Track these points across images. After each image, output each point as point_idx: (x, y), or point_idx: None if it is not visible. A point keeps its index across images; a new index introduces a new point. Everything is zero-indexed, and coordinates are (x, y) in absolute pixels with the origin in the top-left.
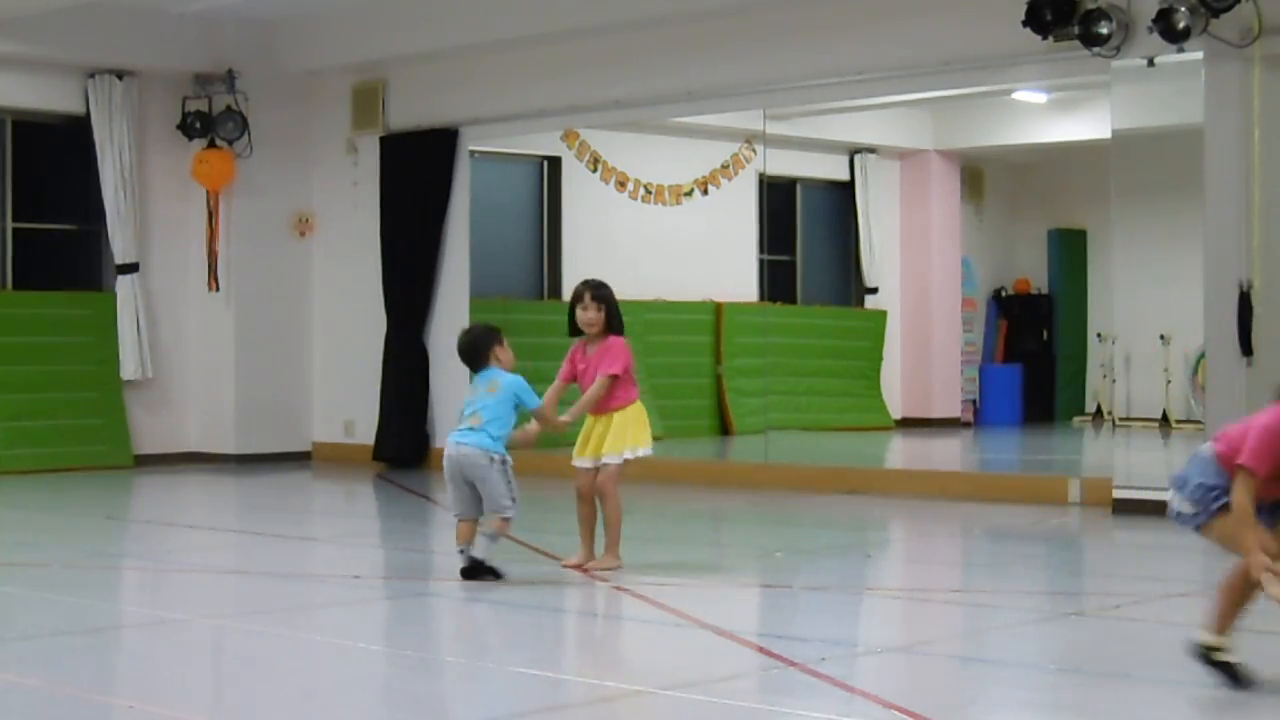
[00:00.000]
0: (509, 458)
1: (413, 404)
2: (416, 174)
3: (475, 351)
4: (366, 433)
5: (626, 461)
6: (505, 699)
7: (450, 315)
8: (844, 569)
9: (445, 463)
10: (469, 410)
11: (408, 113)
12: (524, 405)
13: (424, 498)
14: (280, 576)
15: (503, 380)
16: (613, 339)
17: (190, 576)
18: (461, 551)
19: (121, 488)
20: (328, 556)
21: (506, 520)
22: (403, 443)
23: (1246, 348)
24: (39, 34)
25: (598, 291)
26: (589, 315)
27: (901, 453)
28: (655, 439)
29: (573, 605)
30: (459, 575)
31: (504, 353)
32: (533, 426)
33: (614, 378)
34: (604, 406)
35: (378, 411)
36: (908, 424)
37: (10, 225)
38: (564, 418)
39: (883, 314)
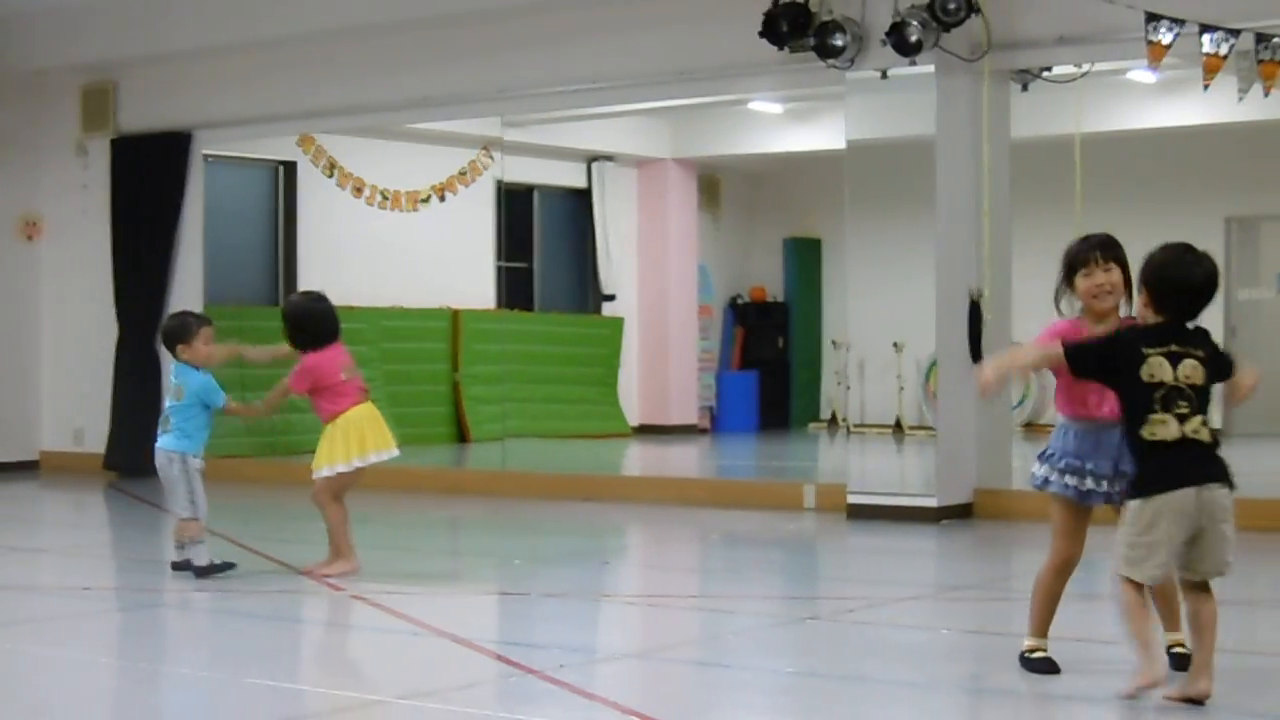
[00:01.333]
0: (194, 459)
1: (144, 412)
2: (149, 178)
3: (168, 340)
4: (97, 441)
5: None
6: (240, 711)
7: None
8: (582, 576)
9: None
10: (165, 412)
11: (140, 115)
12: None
13: (156, 507)
14: (6, 589)
15: (188, 385)
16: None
17: None
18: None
19: None
20: (57, 568)
21: (189, 522)
22: (134, 451)
23: (977, 355)
24: None
25: None
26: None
27: (639, 459)
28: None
29: (308, 615)
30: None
31: (196, 349)
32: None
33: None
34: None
35: (109, 420)
36: (645, 431)
37: None
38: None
39: (619, 321)
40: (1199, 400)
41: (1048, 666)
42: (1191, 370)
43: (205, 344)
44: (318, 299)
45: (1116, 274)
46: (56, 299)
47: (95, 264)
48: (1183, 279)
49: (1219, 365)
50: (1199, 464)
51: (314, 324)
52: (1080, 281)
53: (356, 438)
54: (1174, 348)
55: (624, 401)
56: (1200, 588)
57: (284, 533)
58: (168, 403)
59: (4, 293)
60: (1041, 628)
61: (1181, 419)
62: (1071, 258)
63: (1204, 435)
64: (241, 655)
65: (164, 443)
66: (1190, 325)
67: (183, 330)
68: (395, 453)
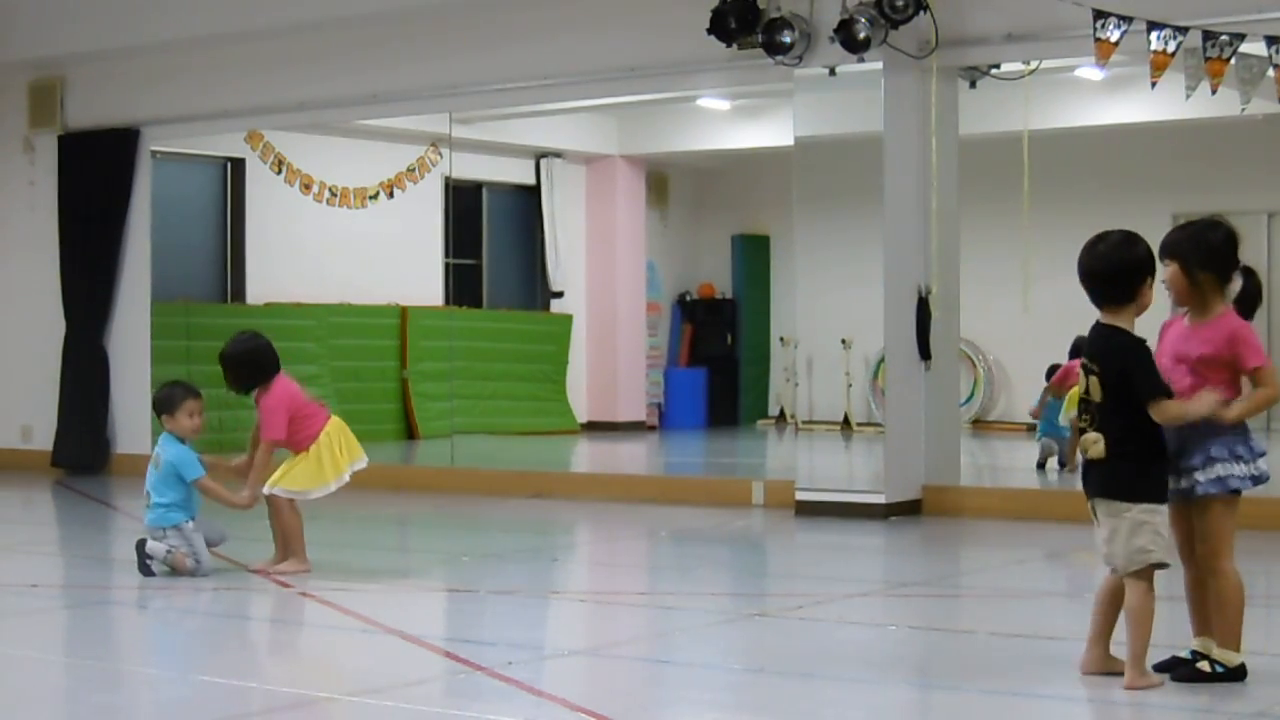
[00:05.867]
0: (187, 524)
1: (92, 409)
2: (96, 174)
3: (155, 408)
4: (44, 438)
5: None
6: (189, 708)
7: (131, 318)
8: (530, 573)
9: None
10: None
11: (87, 111)
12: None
13: (104, 504)
14: None
15: (164, 455)
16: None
17: None
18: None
19: None
20: (4, 565)
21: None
22: (82, 448)
23: (925, 352)
24: None
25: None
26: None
27: (587, 456)
28: None
29: (257, 612)
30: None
31: (179, 420)
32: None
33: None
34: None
35: (56, 416)
36: (593, 428)
37: None
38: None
39: (568, 318)
40: (1098, 416)
41: (1164, 667)
42: (1092, 386)
43: (189, 416)
44: (253, 336)
45: (1172, 269)
46: (3, 295)
47: (42, 260)
48: (1079, 266)
49: (1123, 387)
50: (1089, 480)
51: (258, 360)
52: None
53: (337, 454)
54: (1085, 360)
55: (572, 398)
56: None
57: (233, 529)
58: (149, 472)
59: None
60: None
61: (1083, 433)
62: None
63: (1093, 453)
64: (190, 652)
65: (149, 519)
66: (1108, 328)
67: (168, 401)
68: (366, 460)
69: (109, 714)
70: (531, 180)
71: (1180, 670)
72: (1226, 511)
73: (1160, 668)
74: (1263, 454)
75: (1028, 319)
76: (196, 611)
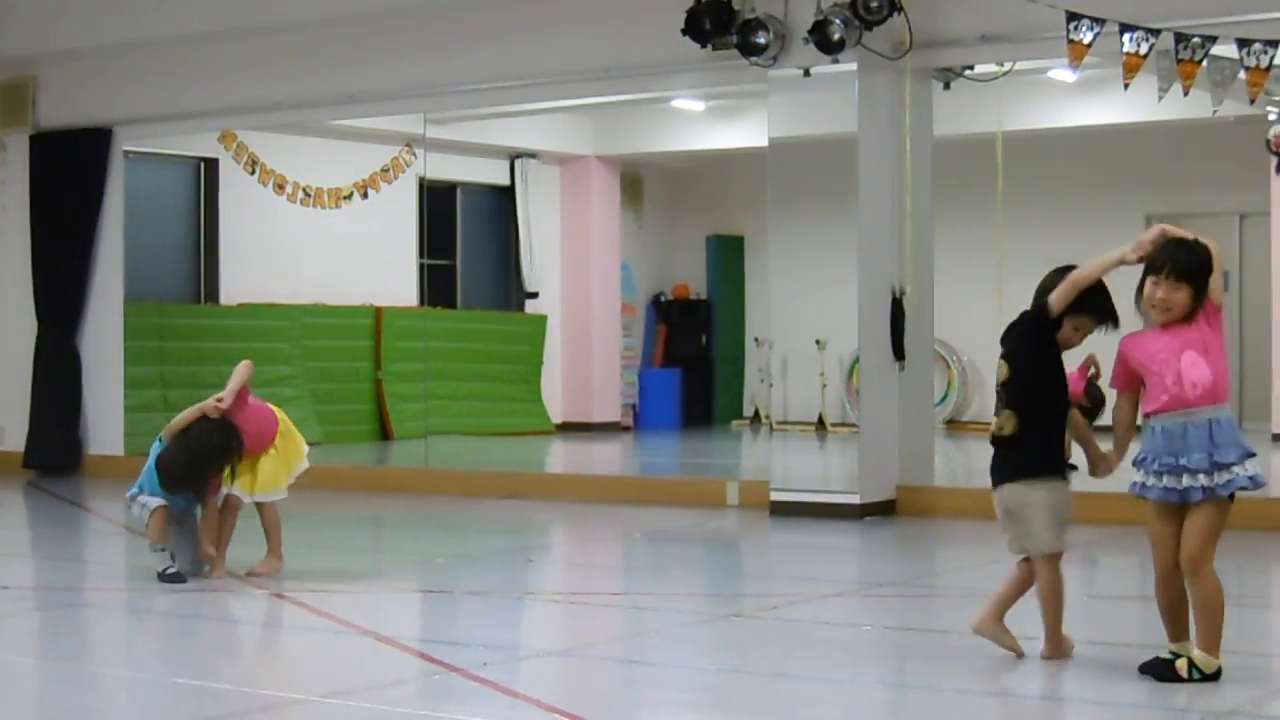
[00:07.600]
0: (143, 497)
1: (64, 410)
2: (68, 174)
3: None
4: (16, 439)
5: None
6: (163, 710)
7: (103, 319)
8: (505, 574)
9: None
10: None
11: (59, 111)
12: None
13: (77, 506)
14: None
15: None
16: None
17: None
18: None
19: None
20: None
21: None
22: (54, 450)
23: (899, 352)
24: None
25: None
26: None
27: (562, 457)
28: (314, 444)
29: (231, 614)
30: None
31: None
32: None
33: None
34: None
35: (28, 417)
36: (568, 428)
37: None
38: None
39: (543, 318)
40: (1007, 395)
41: (1149, 668)
42: (1000, 368)
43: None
44: (184, 453)
45: (1183, 295)
46: None
47: (14, 261)
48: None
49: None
50: (998, 464)
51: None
52: (1148, 285)
53: (297, 444)
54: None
55: (547, 399)
56: (1029, 561)
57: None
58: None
59: None
60: (1174, 634)
61: (997, 414)
62: (1150, 258)
63: (1004, 430)
64: (164, 654)
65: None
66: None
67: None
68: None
69: (83, 716)
70: (506, 181)
71: (1157, 669)
72: (1222, 514)
73: (1145, 669)
74: (1251, 455)
75: (1002, 319)
76: (170, 613)
